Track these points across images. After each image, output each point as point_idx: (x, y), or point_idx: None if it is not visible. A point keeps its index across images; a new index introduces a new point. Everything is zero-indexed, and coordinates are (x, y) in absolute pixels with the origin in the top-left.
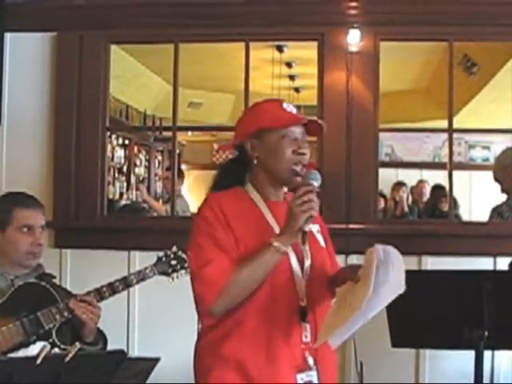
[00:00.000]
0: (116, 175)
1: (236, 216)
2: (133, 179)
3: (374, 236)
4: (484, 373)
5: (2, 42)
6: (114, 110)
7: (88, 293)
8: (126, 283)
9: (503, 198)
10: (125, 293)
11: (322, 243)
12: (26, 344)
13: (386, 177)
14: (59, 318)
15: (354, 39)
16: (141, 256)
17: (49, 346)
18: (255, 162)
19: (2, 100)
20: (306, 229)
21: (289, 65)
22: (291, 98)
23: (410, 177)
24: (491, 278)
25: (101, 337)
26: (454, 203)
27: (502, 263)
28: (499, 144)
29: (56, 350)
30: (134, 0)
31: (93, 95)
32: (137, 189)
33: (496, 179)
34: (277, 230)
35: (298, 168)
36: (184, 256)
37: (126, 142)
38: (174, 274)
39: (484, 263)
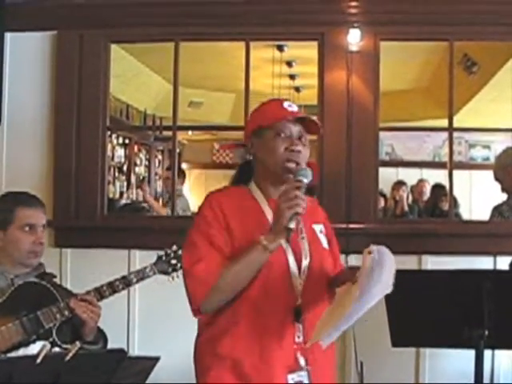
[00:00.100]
0: (116, 174)
1: (236, 215)
2: (133, 178)
3: (374, 235)
4: (484, 372)
5: (2, 42)
6: (115, 109)
7: (88, 292)
8: (126, 282)
9: (503, 197)
10: (125, 292)
11: (325, 244)
12: (25, 343)
13: (386, 176)
14: (59, 317)
15: (354, 39)
16: (141, 255)
17: (49, 346)
18: (252, 158)
19: (2, 99)
20: (292, 226)
21: (289, 64)
22: (291, 97)
23: (410, 176)
24: (491, 277)
25: (101, 336)
26: (454, 202)
27: (503, 262)
28: (499, 143)
29: (56, 349)
30: None
31: (93, 94)
32: (138, 187)
33: (496, 178)
34: None
35: (292, 165)
36: None
37: (127, 141)
38: (174, 273)
39: (484, 262)
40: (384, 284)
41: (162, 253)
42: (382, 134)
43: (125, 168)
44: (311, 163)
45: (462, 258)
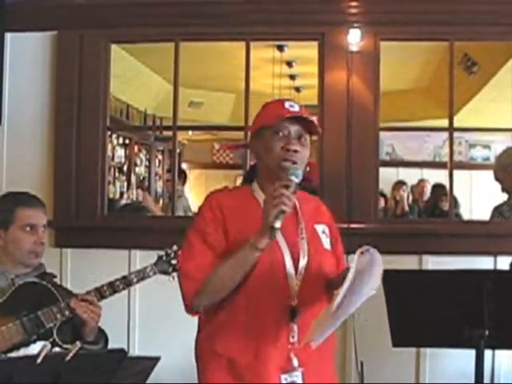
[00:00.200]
0: (116, 175)
1: (236, 216)
2: (133, 179)
3: (375, 235)
4: (484, 372)
5: (2, 42)
6: (115, 109)
7: (88, 292)
8: (126, 282)
9: (504, 197)
10: (125, 292)
11: (326, 245)
12: (26, 343)
13: (387, 176)
14: (60, 317)
15: (354, 39)
16: (141, 255)
17: (49, 346)
18: (250, 156)
19: (2, 99)
20: (277, 225)
21: (289, 64)
22: (292, 97)
23: (411, 176)
24: (492, 277)
25: (102, 336)
26: (454, 202)
27: (503, 262)
28: (500, 143)
29: (57, 349)
30: None
31: (93, 94)
32: (138, 187)
33: (496, 178)
34: None
35: (288, 164)
36: None
37: (127, 141)
38: (175, 273)
39: (484, 262)
40: (372, 285)
41: (162, 253)
42: (382, 134)
43: (125, 168)
44: (311, 163)
45: (463, 258)
